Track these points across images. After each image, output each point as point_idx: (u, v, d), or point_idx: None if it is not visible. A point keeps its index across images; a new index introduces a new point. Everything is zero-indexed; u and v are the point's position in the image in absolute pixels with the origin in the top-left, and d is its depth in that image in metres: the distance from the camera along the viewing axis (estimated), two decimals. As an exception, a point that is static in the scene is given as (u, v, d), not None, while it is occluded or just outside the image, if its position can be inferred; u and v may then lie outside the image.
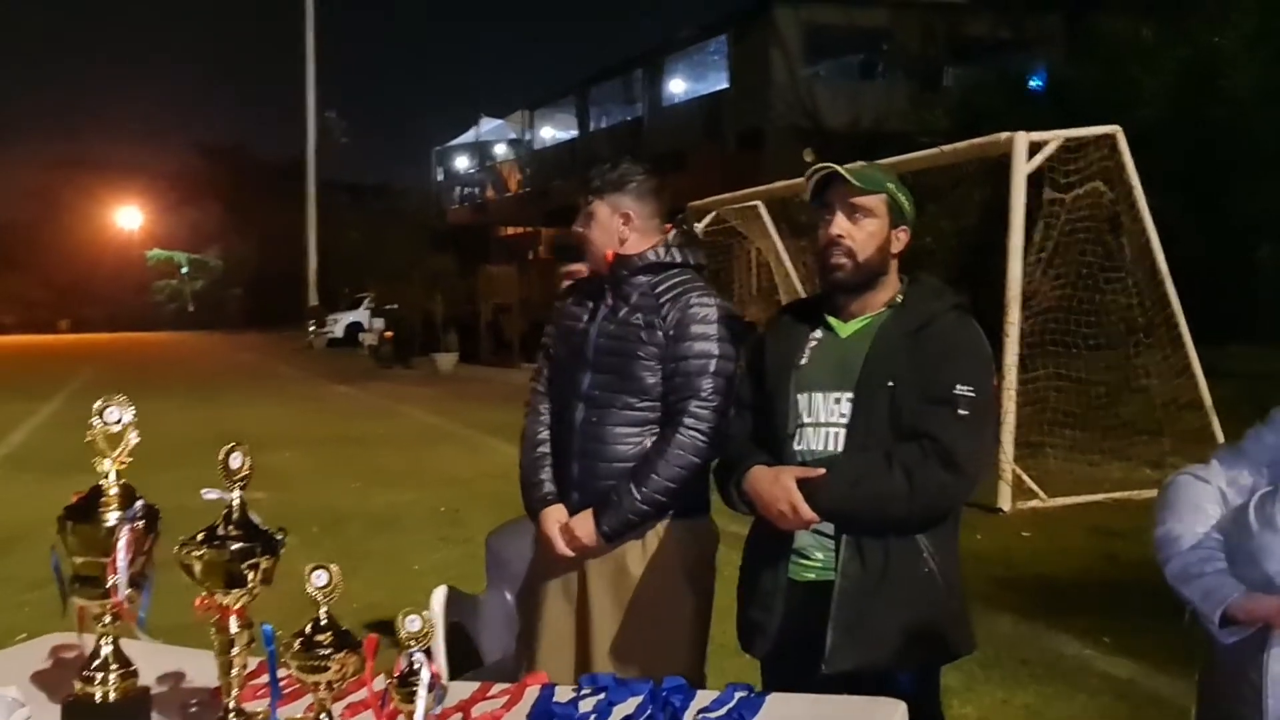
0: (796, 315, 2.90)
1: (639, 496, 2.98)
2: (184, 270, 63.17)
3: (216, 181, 60.81)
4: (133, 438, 2.10)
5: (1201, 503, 2.15)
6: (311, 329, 38.96)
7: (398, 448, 13.34)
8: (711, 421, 2.98)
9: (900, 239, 2.73)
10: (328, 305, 40.79)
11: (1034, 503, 9.03)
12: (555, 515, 3.10)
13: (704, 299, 3.07)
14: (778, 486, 2.61)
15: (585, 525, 3.04)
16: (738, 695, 2.34)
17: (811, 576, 2.69)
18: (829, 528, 2.65)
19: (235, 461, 2.02)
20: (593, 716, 2.23)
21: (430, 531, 8.48)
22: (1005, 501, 8.89)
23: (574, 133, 43.17)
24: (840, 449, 2.65)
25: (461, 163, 56.83)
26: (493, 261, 34.07)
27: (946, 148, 10.49)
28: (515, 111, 49.66)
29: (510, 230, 43.18)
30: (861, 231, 2.68)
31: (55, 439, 13.73)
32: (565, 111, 44.14)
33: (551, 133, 46.79)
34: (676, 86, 37.08)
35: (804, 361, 2.75)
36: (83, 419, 2.12)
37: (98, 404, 2.09)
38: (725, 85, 33.50)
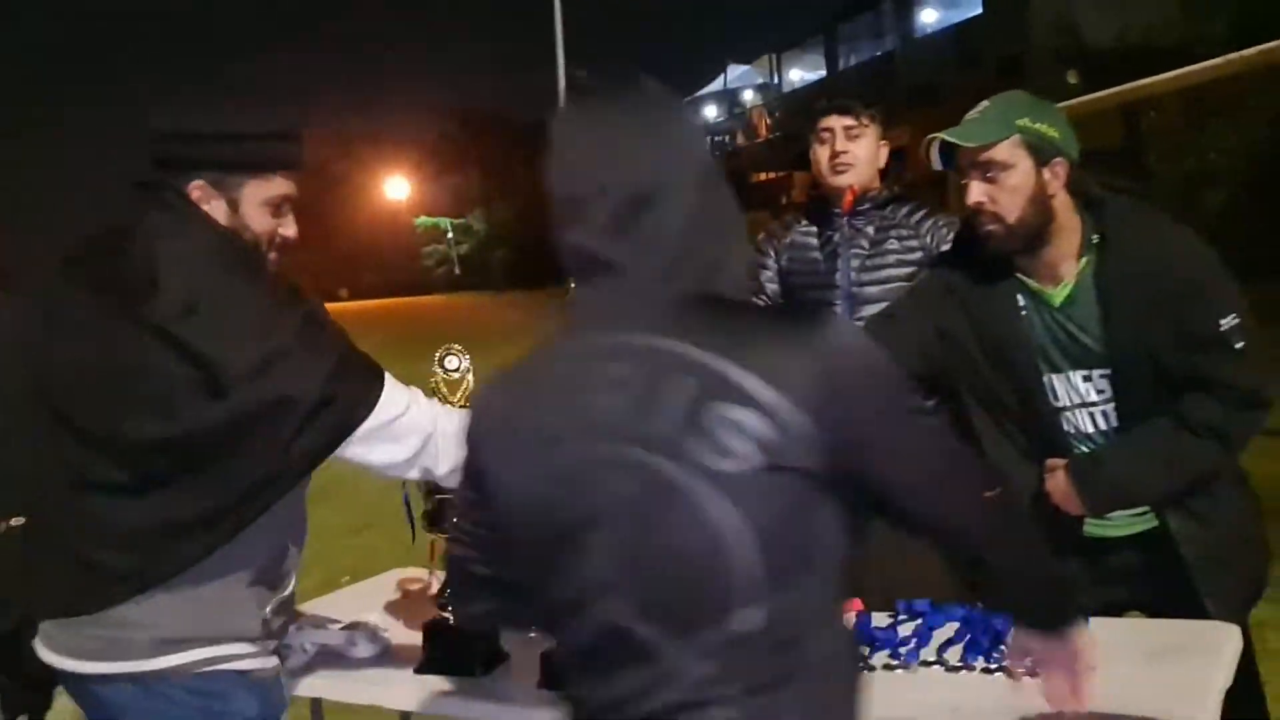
0: (981, 277, 2.52)
1: None
2: (449, 235, 65.75)
3: (474, 146, 62.86)
4: (470, 381, 2.26)
5: None
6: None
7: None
8: None
9: (1058, 173, 2.38)
10: (588, 262, 41.73)
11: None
12: None
13: (949, 220, 3.14)
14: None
15: None
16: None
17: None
18: None
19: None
20: (913, 641, 2.27)
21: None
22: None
23: (822, 73, 42.53)
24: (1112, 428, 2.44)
25: (710, 112, 56.91)
26: (747, 209, 34.05)
27: (1233, 56, 9.79)
28: (762, 56, 49.35)
29: (762, 176, 43.02)
30: (1002, 190, 2.37)
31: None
32: (813, 52, 43.46)
33: (800, 74, 46.20)
34: (928, 16, 35.86)
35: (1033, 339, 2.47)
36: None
37: (439, 353, 2.26)
38: (979, 10, 32.19)
